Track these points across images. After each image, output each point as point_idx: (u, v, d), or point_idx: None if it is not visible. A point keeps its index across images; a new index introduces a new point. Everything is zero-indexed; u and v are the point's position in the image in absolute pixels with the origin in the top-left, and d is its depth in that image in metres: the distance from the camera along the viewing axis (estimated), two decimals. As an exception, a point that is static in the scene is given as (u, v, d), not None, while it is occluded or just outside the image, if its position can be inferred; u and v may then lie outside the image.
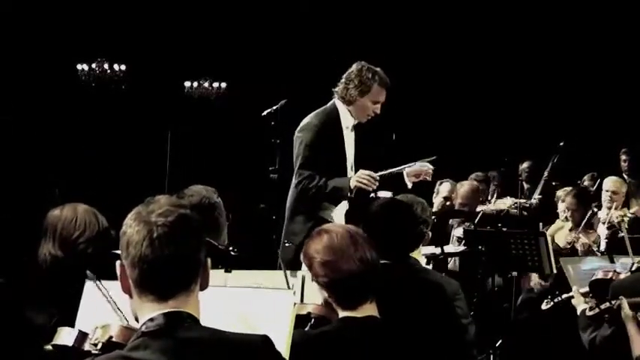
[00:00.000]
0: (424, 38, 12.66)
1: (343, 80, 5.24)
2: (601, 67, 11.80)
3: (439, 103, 12.67)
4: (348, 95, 5.19)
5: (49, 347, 2.42)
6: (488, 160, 9.82)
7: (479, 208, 7.54)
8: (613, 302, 3.78)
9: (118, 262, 2.10)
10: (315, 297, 2.92)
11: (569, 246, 6.49)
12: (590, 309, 3.94)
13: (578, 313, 4.14)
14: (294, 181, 5.21)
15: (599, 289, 4.03)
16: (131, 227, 2.06)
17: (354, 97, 5.18)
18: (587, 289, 4.17)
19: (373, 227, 3.51)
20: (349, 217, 5.14)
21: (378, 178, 5.07)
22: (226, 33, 13.34)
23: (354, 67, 5.24)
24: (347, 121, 5.26)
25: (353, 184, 5.06)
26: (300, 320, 2.75)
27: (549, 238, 6.14)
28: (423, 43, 12.65)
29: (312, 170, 5.10)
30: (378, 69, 5.25)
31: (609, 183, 7.31)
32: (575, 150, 9.37)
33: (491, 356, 5.84)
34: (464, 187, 7.50)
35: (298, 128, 5.25)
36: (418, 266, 4.07)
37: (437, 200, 7.71)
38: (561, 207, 7.15)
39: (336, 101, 5.26)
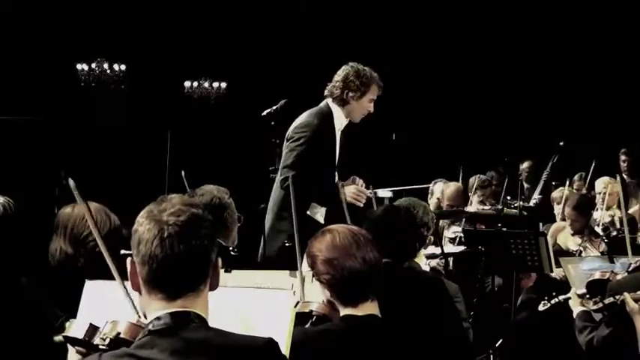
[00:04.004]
0: (424, 38, 12.67)
1: (339, 83, 5.28)
2: (601, 67, 11.81)
3: (439, 104, 12.68)
4: (347, 97, 5.25)
5: (59, 338, 2.43)
6: (488, 160, 9.83)
7: (476, 209, 7.54)
8: (617, 297, 3.79)
9: (128, 260, 2.10)
10: (315, 298, 2.93)
11: (574, 252, 6.47)
12: (594, 303, 3.95)
13: (575, 315, 4.15)
14: (279, 177, 5.21)
15: (597, 289, 4.04)
16: (142, 225, 2.06)
17: (354, 98, 5.25)
18: (584, 290, 4.18)
19: (373, 229, 3.54)
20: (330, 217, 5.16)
21: (368, 194, 5.22)
22: (226, 33, 13.34)
23: (349, 69, 5.29)
24: (339, 123, 5.32)
25: (348, 199, 5.16)
26: (303, 318, 2.76)
27: (550, 239, 6.14)
28: (422, 44, 12.65)
29: (302, 170, 5.12)
30: (367, 68, 5.34)
31: (601, 184, 7.32)
32: (574, 150, 9.38)
33: (491, 356, 5.84)
34: (449, 188, 7.50)
35: (297, 126, 5.26)
36: (418, 268, 4.10)
37: (432, 201, 7.71)
38: (557, 209, 7.16)
39: (330, 103, 5.30)
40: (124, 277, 2.24)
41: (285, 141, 5.32)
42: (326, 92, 5.34)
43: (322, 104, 5.34)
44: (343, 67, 5.33)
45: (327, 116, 5.28)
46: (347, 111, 5.29)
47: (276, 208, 5.24)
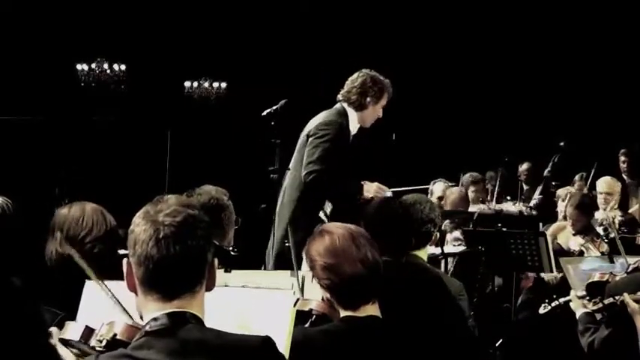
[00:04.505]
0: (424, 39, 12.67)
1: (356, 89, 5.39)
2: (600, 67, 11.80)
3: (439, 103, 12.67)
4: (365, 102, 5.40)
5: (55, 341, 2.42)
6: (489, 160, 9.82)
7: (476, 209, 7.52)
8: (616, 298, 3.79)
9: (125, 260, 2.10)
10: (315, 297, 2.92)
11: (576, 252, 6.46)
12: (594, 304, 3.95)
13: (577, 317, 4.15)
14: (303, 171, 5.25)
15: (596, 291, 4.04)
16: (139, 226, 2.06)
17: (371, 103, 5.40)
18: (584, 292, 4.18)
19: (368, 225, 3.53)
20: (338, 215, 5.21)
21: (389, 193, 5.38)
22: (226, 33, 13.33)
23: (366, 75, 5.42)
24: (354, 127, 5.46)
25: (370, 195, 5.28)
26: (302, 316, 2.75)
27: (550, 238, 6.13)
28: (423, 44, 12.65)
29: (327, 165, 5.21)
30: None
31: (603, 184, 7.31)
32: (575, 150, 9.37)
33: (492, 356, 5.83)
34: (453, 194, 7.49)
35: (321, 122, 5.34)
36: (423, 265, 4.09)
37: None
38: (561, 206, 7.15)
39: (346, 107, 5.37)
40: (118, 277, 2.24)
41: (306, 137, 5.40)
42: (340, 97, 5.46)
43: (338, 107, 5.47)
44: (357, 74, 5.46)
45: (345, 118, 5.42)
46: (362, 116, 5.45)
47: (292, 205, 5.29)
